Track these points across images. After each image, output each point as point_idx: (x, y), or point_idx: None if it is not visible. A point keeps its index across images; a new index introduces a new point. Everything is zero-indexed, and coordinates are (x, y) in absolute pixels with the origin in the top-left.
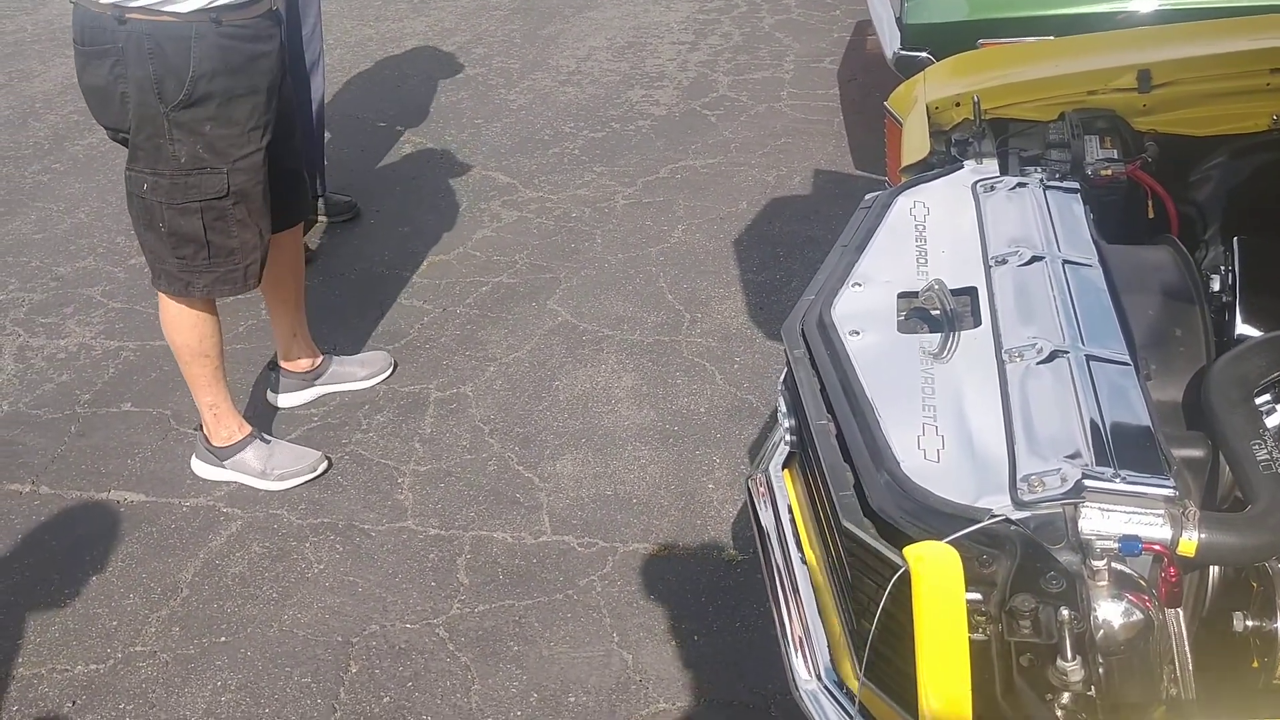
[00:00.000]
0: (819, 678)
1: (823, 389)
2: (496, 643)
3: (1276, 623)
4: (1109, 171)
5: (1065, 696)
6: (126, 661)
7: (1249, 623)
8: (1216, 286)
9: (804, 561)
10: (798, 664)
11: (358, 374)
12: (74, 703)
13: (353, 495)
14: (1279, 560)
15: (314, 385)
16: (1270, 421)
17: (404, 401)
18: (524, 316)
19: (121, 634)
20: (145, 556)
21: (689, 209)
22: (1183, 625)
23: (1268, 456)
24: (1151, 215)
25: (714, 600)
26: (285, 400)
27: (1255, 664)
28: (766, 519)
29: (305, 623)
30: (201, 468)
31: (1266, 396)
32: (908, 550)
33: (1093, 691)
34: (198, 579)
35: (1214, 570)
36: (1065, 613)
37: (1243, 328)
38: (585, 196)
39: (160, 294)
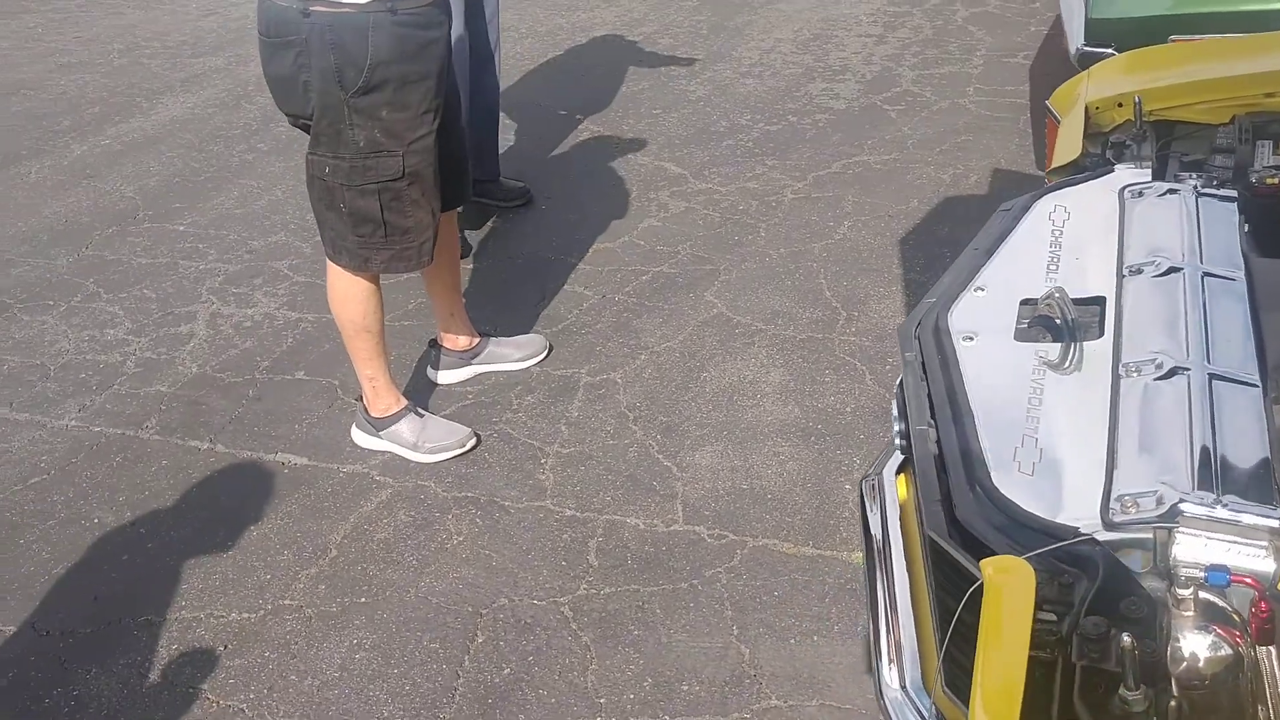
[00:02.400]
0: (904, 687)
1: (929, 394)
2: (618, 626)
3: None
4: (1275, 180)
5: None
6: (275, 613)
7: None
8: None
9: (906, 569)
10: (887, 671)
11: (513, 355)
12: (225, 647)
13: (497, 472)
14: None
15: (471, 364)
16: None
17: (555, 384)
18: (680, 307)
19: (274, 587)
20: (302, 516)
21: (857, 205)
22: (1275, 664)
23: None
24: None
25: (838, 603)
26: (444, 377)
27: None
28: (875, 523)
29: (439, 591)
30: (360, 436)
31: None
32: (983, 563)
33: None
34: (346, 541)
35: None
36: (1127, 639)
37: None
38: (754, 189)
39: (330, 270)
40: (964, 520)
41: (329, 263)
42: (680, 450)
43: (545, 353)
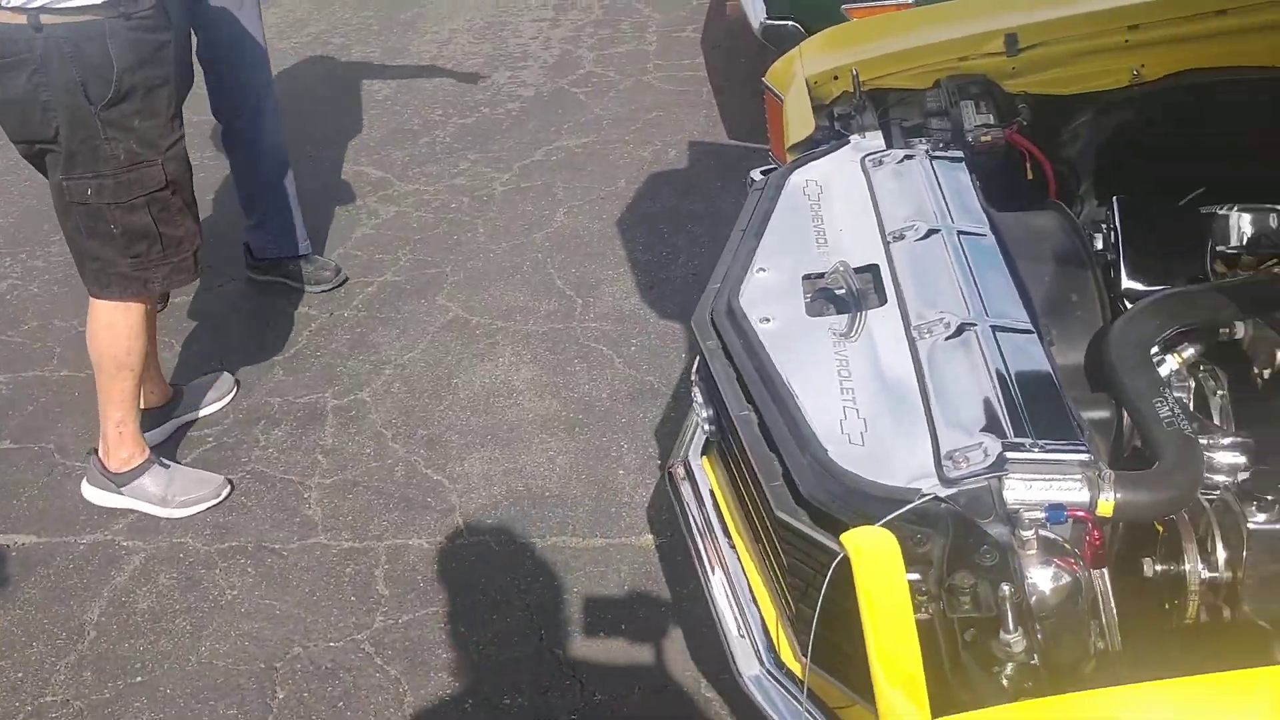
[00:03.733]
0: (762, 664)
1: (739, 379)
2: (425, 652)
3: (1183, 566)
4: (988, 137)
5: (1009, 667)
6: (37, 714)
7: (1158, 567)
8: (1100, 245)
9: (733, 548)
10: (740, 651)
11: (211, 397)
12: None
13: (259, 515)
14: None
15: (172, 418)
16: (1162, 371)
17: (300, 413)
18: (414, 315)
19: (29, 685)
20: (45, 601)
21: (568, 191)
22: (1108, 584)
23: (1170, 414)
24: (1030, 177)
25: (637, 588)
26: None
27: (1166, 606)
28: (692, 508)
29: (224, 652)
30: (96, 494)
31: (1155, 349)
32: (845, 537)
33: (1035, 660)
34: (104, 619)
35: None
36: (1006, 588)
37: (1128, 284)
38: (462, 185)
39: (94, 307)
40: (810, 497)
41: (92, 301)
42: (448, 462)
43: (235, 387)
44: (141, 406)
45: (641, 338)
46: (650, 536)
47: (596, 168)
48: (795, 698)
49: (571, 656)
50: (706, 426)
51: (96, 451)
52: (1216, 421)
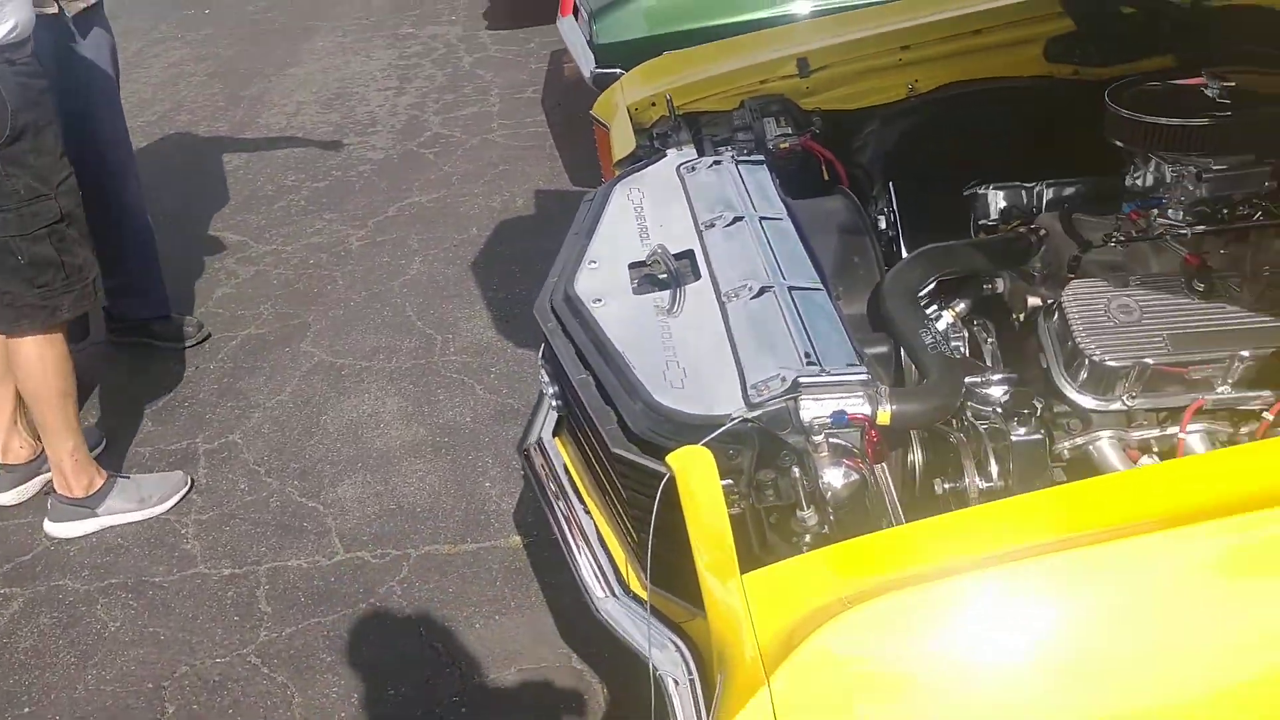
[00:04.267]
0: (612, 594)
1: (578, 351)
2: (310, 658)
3: (964, 481)
4: (786, 144)
5: (807, 538)
6: None
7: (946, 485)
8: (883, 225)
9: (585, 509)
10: (593, 588)
11: None
12: None
13: (137, 554)
14: (960, 430)
15: (40, 474)
16: (940, 325)
17: (173, 459)
18: (280, 362)
19: None
20: None
21: (423, 241)
22: (888, 475)
23: (933, 341)
24: (826, 177)
25: (509, 582)
26: (7, 498)
27: None
28: (547, 479)
29: (111, 678)
30: (67, 528)
31: (934, 307)
32: (669, 458)
33: (826, 530)
34: None
35: (919, 452)
36: (796, 471)
37: (906, 253)
38: (320, 243)
39: (17, 347)
40: (641, 434)
41: (11, 342)
42: (321, 489)
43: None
44: (9, 464)
45: (500, 366)
46: (518, 537)
47: (449, 219)
48: (643, 617)
49: (451, 648)
50: (554, 403)
51: (53, 491)
52: (987, 363)
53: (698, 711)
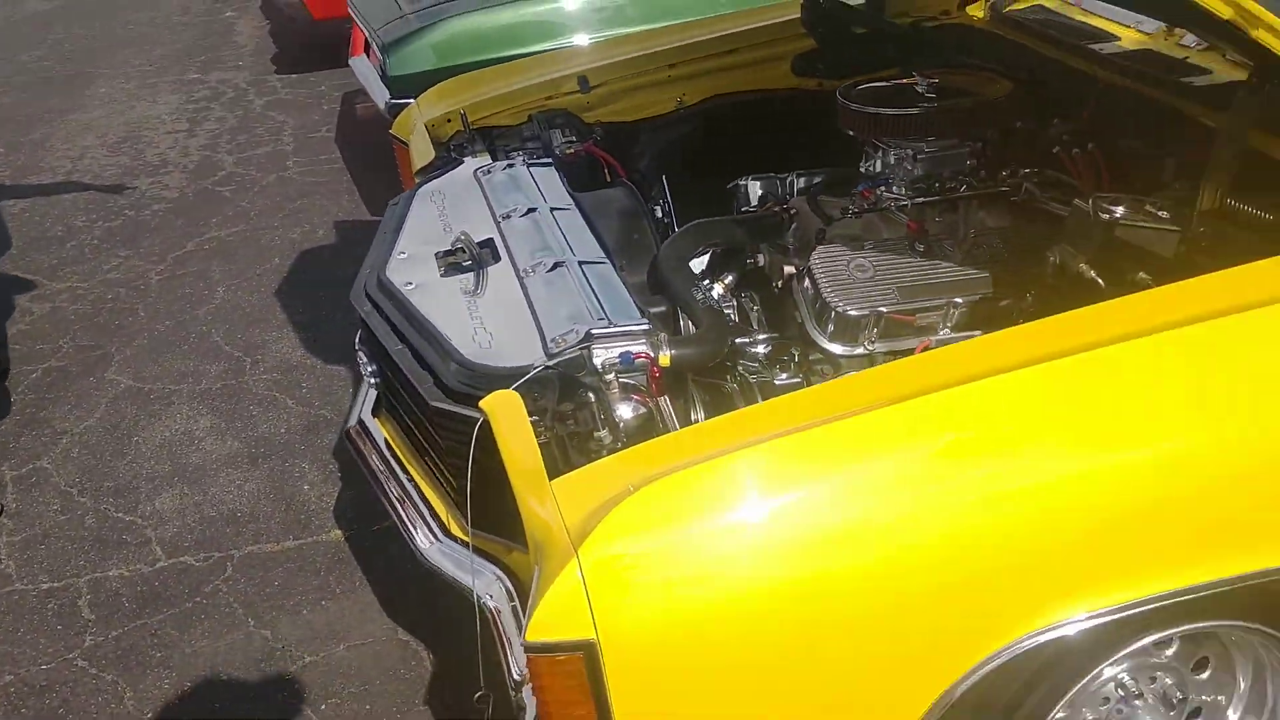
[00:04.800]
0: (436, 540)
1: (394, 328)
2: (139, 655)
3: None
4: (572, 150)
5: (604, 453)
6: None
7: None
8: (660, 214)
9: (407, 474)
10: (419, 539)
11: None
12: None
13: None
14: (734, 383)
15: None
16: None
17: None
18: (85, 391)
19: None
20: None
21: (225, 272)
22: (670, 405)
23: (702, 298)
24: (609, 179)
25: (333, 572)
26: None
27: None
28: (371, 454)
29: None
30: None
31: (706, 281)
32: (482, 403)
33: (620, 446)
34: None
35: (699, 406)
36: (594, 402)
37: None
38: (116, 279)
39: None
40: (456, 387)
41: None
42: (138, 504)
43: None
44: None
45: (311, 381)
46: (339, 531)
47: (249, 251)
48: (467, 556)
49: (280, 633)
50: (372, 381)
51: None
52: (755, 327)
53: (519, 627)
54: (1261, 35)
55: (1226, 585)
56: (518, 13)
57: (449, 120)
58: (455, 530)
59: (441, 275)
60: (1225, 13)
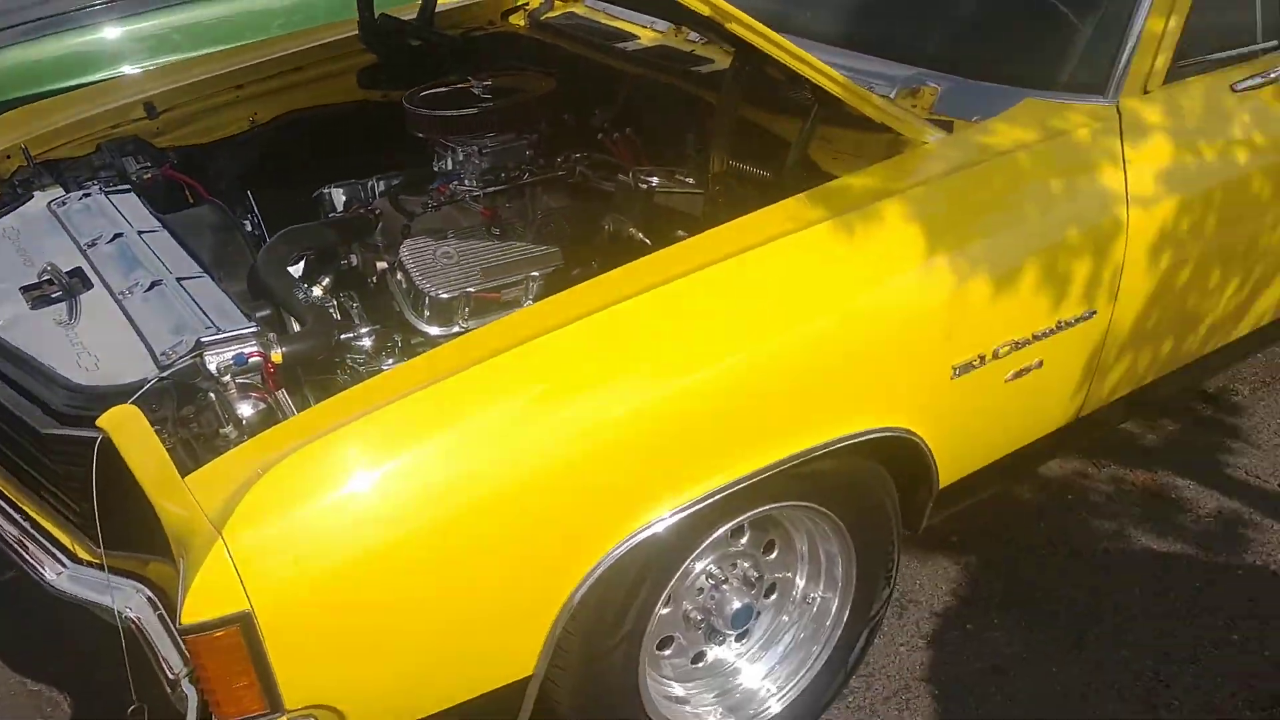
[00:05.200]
0: (64, 566)
1: None
2: None
3: None
4: (149, 175)
5: (231, 448)
6: None
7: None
8: (250, 228)
9: (24, 516)
10: (46, 572)
11: None
12: None
13: None
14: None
15: None
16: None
17: None
18: None
19: None
20: None
21: None
22: (288, 397)
23: (304, 297)
24: (191, 202)
25: None
26: None
27: None
28: None
29: None
30: None
31: (305, 285)
32: (100, 420)
33: (244, 438)
34: None
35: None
36: (211, 398)
37: None
38: None
39: None
40: (69, 412)
41: None
42: None
43: None
44: None
45: None
46: None
47: None
48: (102, 577)
49: None
50: None
51: None
52: (357, 323)
53: (169, 631)
54: (735, 28)
55: (771, 469)
56: (62, 44)
57: (8, 157)
58: (80, 551)
59: (32, 308)
60: (704, 10)
